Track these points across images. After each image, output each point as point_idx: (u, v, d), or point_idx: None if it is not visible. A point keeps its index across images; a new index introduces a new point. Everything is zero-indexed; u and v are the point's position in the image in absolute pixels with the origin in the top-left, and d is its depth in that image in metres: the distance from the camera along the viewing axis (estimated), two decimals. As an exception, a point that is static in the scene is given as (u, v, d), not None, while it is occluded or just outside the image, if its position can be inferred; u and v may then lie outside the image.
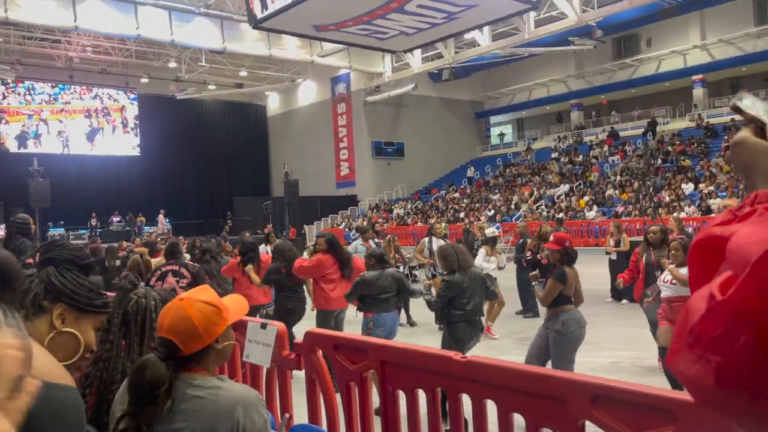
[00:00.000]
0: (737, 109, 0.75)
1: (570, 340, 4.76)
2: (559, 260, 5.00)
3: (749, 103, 0.75)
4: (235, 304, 1.85)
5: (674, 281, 5.34)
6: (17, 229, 6.09)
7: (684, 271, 5.34)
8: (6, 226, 6.47)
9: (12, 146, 29.58)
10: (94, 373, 1.89)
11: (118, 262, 9.58)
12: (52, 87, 30.74)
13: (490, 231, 9.43)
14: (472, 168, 33.48)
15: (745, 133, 0.73)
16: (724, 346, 0.53)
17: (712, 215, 18.90)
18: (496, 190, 29.75)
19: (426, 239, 10.12)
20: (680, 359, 0.58)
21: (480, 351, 5.12)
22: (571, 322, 4.77)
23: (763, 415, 0.53)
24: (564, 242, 5.10)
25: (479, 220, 24.12)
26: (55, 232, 25.65)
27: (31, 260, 5.73)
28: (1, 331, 0.70)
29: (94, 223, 27.84)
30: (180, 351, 1.68)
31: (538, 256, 7.84)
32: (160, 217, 29.10)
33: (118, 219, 28.28)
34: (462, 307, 4.90)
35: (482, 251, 8.89)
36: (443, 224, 23.84)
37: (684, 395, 1.79)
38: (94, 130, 31.82)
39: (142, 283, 2.21)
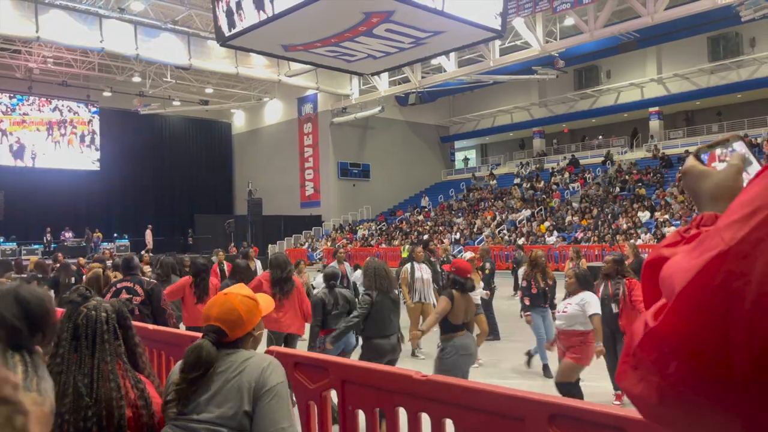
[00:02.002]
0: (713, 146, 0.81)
1: (445, 367, 4.73)
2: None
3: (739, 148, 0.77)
4: (264, 300, 2.17)
5: (565, 310, 5.42)
6: None
7: (570, 300, 5.45)
8: None
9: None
10: None
11: (73, 279, 9.31)
12: (10, 98, 29.85)
13: (468, 256, 8.94)
14: (426, 197, 33.54)
15: (691, 162, 0.78)
16: (660, 369, 0.56)
17: (667, 242, 19.43)
18: (460, 214, 30.02)
19: (408, 265, 9.10)
20: (626, 379, 0.62)
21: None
22: (450, 349, 4.82)
23: (704, 427, 0.55)
24: (451, 268, 5.23)
25: (443, 242, 24.24)
26: (6, 247, 24.77)
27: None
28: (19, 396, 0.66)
29: (49, 238, 26.95)
30: (227, 336, 2.01)
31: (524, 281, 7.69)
32: (148, 232, 28.50)
33: (70, 234, 27.41)
34: (380, 323, 5.04)
35: None
36: (406, 246, 23.90)
37: (634, 413, 1.84)
38: (53, 142, 30.98)
39: (98, 297, 2.17)
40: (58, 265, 12.16)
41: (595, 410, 2.01)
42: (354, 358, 5.27)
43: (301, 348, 6.19)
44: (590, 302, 5.34)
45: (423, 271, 8.76)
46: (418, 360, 8.13)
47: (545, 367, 7.31)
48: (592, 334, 5.34)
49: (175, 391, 1.94)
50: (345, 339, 5.52)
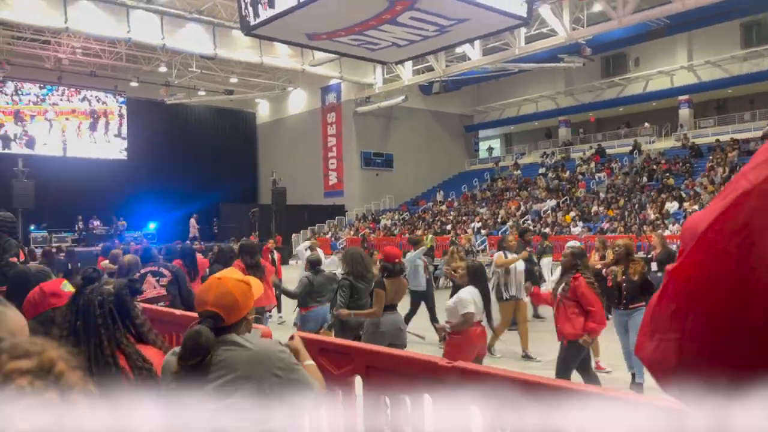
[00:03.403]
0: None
1: (368, 341, 5.06)
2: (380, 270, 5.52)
3: None
4: (255, 284, 2.15)
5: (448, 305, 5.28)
6: (7, 229, 5.91)
7: (465, 290, 5.17)
8: None
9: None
10: None
11: (78, 265, 9.73)
12: (40, 88, 30.37)
13: (573, 244, 7.48)
14: (442, 192, 33.18)
15: None
16: (677, 323, 0.55)
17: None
18: (484, 204, 29.83)
19: (500, 254, 8.28)
20: (644, 348, 0.61)
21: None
22: (368, 325, 5.28)
23: (725, 384, 0.53)
24: (380, 255, 5.67)
25: (466, 232, 24.13)
26: (38, 234, 25.28)
27: (15, 259, 5.61)
28: None
29: (81, 226, 27.54)
30: (224, 321, 1.97)
31: (604, 272, 6.52)
32: (192, 221, 28.87)
33: (98, 222, 27.94)
34: (353, 302, 5.52)
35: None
36: (429, 236, 23.80)
37: (678, 403, 1.82)
38: (81, 132, 31.50)
39: (108, 279, 2.23)
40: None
41: (618, 397, 2.00)
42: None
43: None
44: (463, 299, 5.00)
45: (517, 262, 8.07)
46: (494, 357, 7.73)
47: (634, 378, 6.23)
48: (466, 331, 4.99)
49: (176, 381, 1.90)
50: (322, 315, 6.38)
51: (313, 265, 6.74)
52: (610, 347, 6.98)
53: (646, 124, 31.09)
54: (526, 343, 7.79)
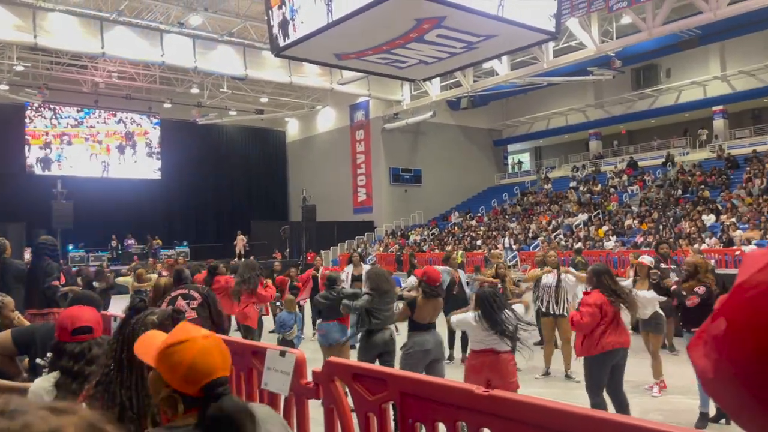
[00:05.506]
0: None
1: (407, 361, 5.36)
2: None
3: None
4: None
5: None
6: (49, 251, 6.11)
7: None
8: (33, 248, 6.49)
9: (36, 168, 30.16)
10: (96, 396, 1.96)
11: (104, 284, 9.68)
12: (78, 111, 31.32)
13: (645, 259, 6.88)
14: (457, 213, 32.83)
15: None
16: (719, 346, 0.61)
17: (734, 247, 18.62)
18: (514, 219, 29.60)
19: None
20: (696, 350, 0.67)
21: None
22: (411, 344, 5.46)
23: (748, 414, 0.58)
24: (422, 275, 5.74)
25: (496, 248, 23.97)
26: (75, 253, 25.88)
27: (56, 282, 5.78)
28: None
29: (114, 245, 28.13)
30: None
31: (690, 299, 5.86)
32: (240, 238, 29.39)
33: (133, 241, 28.51)
34: (378, 317, 5.87)
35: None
36: (460, 252, 23.72)
37: None
38: (117, 153, 32.35)
39: (152, 309, 2.20)
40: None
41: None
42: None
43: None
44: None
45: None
46: (571, 381, 7.47)
47: (702, 416, 5.64)
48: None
49: None
50: (328, 332, 6.55)
51: (331, 283, 6.93)
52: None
53: (701, 130, 29.90)
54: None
